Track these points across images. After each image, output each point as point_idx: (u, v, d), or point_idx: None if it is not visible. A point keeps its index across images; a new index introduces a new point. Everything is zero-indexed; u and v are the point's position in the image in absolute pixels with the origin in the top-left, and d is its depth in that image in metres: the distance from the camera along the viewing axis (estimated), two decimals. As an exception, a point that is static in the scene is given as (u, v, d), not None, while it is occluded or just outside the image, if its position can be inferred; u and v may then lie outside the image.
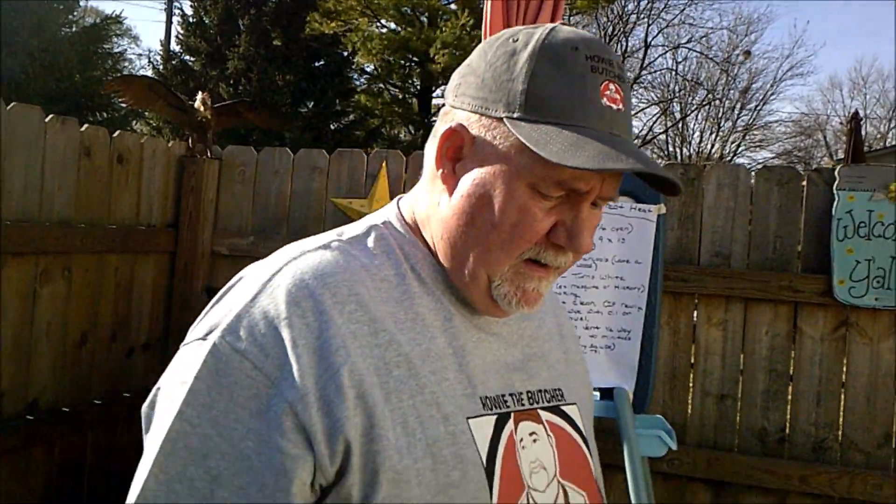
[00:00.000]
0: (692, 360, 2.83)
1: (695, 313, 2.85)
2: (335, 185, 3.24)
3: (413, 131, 14.37)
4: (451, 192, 0.87)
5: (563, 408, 0.96)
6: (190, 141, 3.34)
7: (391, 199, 3.11)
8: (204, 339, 0.80)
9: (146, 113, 12.26)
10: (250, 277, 0.85)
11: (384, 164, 3.17)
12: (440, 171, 0.88)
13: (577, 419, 0.97)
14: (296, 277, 0.82)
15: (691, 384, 2.83)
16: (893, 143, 22.33)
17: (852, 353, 2.69)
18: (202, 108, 3.32)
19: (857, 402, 2.68)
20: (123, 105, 10.86)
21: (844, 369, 2.70)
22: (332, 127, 12.92)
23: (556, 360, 1.00)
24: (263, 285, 0.82)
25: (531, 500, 0.86)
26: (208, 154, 3.34)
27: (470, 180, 0.85)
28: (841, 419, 2.70)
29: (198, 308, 3.38)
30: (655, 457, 2.35)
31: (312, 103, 12.78)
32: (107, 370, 2.95)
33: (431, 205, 0.91)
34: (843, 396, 2.70)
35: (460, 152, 0.87)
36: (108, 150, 2.93)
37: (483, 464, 0.83)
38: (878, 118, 25.41)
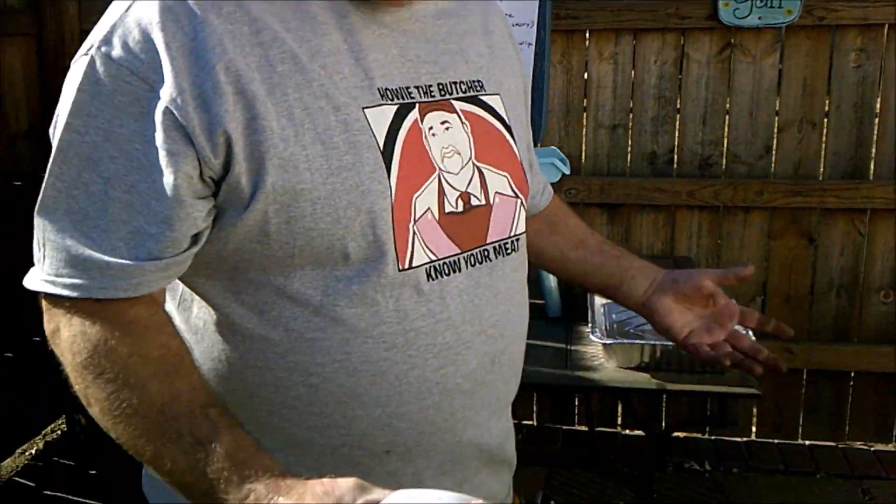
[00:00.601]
0: (585, 96, 2.88)
1: (586, 50, 2.86)
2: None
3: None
4: None
5: (483, 97, 0.99)
6: None
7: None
8: (86, 54, 0.83)
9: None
10: None
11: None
12: None
13: (500, 108, 1.00)
14: None
15: (585, 118, 2.89)
16: None
17: (736, 73, 2.77)
18: None
19: (741, 119, 2.80)
20: None
21: (729, 89, 2.79)
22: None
23: (478, 55, 1.01)
24: None
25: (444, 180, 0.91)
26: (58, -79, 3.03)
27: None
28: (725, 136, 2.82)
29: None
30: (552, 183, 2.43)
31: None
32: (-10, 162, 2.83)
33: None
34: (727, 115, 2.81)
35: None
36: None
37: (380, 147, 0.86)
38: None
